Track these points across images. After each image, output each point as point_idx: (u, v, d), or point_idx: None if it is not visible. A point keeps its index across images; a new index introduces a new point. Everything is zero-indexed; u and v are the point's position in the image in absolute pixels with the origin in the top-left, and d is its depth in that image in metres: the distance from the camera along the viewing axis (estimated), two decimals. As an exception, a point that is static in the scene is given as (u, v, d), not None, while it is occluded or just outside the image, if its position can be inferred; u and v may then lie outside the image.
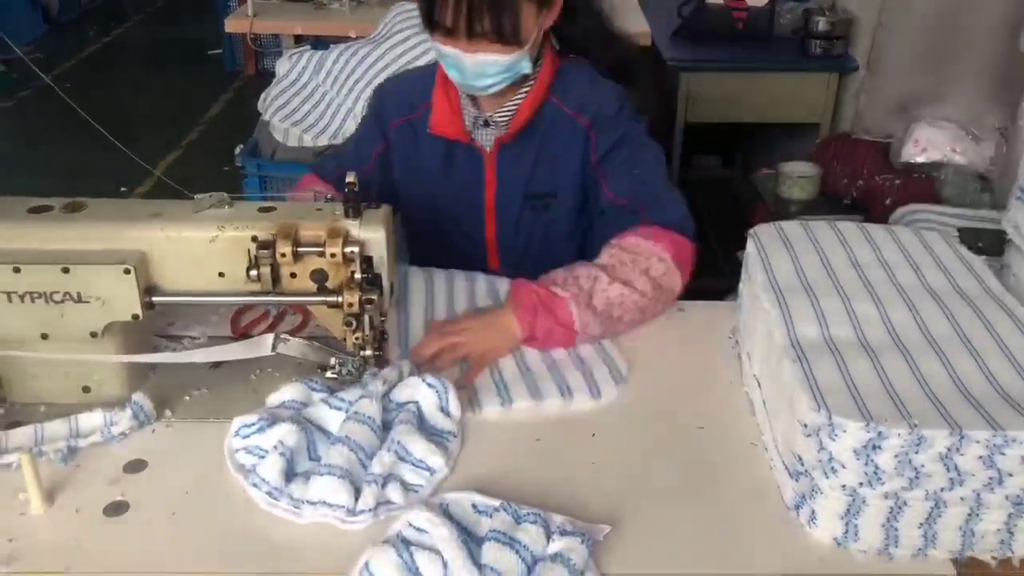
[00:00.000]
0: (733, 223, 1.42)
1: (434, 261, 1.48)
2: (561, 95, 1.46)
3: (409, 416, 1.09)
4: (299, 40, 3.23)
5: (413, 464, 1.05)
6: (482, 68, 1.35)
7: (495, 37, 1.31)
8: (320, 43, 2.97)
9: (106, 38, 6.21)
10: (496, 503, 0.96)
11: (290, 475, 1.02)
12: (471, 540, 0.92)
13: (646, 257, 1.32)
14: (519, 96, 1.45)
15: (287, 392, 1.12)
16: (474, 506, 0.96)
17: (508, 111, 1.45)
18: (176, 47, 6.02)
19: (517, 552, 0.89)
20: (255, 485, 1.01)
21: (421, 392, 1.13)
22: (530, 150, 1.48)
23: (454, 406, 1.13)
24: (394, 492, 1.00)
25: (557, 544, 0.91)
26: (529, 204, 1.51)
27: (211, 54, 5.75)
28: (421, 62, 2.47)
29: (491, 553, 0.89)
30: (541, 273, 1.33)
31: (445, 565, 0.88)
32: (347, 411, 1.08)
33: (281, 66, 2.72)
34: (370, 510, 0.98)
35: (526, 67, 1.40)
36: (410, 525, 0.92)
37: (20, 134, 4.74)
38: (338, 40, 2.89)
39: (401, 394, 1.14)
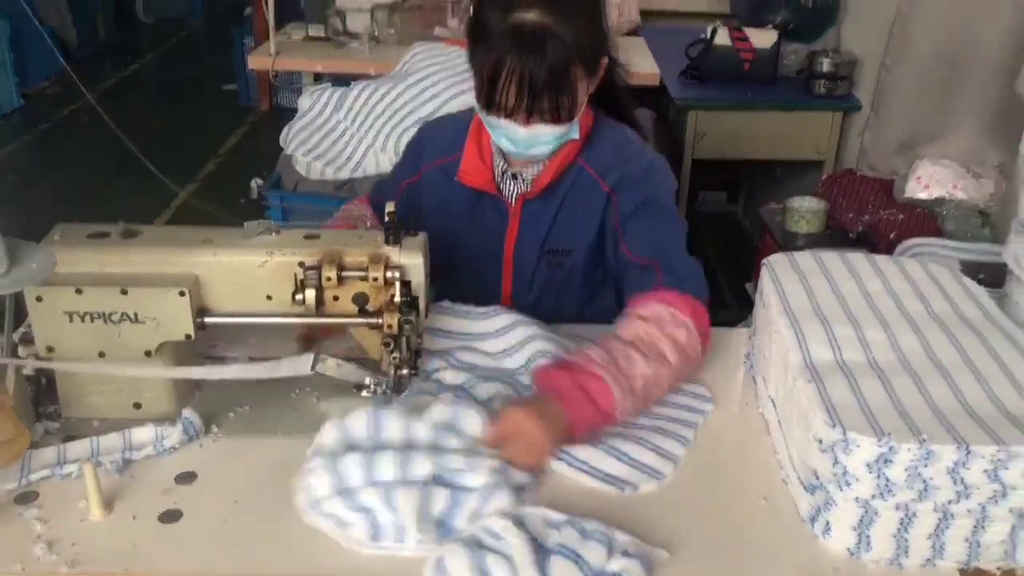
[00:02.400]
0: (738, 257, 1.45)
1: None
2: (587, 157, 1.49)
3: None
4: (318, 77, 3.33)
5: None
6: (535, 138, 1.39)
7: (553, 117, 1.36)
8: (339, 80, 3.07)
9: (123, 73, 6.35)
10: (564, 517, 1.03)
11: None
12: (540, 550, 0.99)
13: (673, 324, 1.29)
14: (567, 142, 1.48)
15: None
16: (546, 520, 1.04)
17: (536, 168, 1.49)
18: (191, 83, 6.15)
19: (580, 568, 0.97)
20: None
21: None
22: (552, 207, 1.51)
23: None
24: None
25: (618, 563, 0.98)
26: (545, 259, 1.54)
27: (226, 89, 5.88)
28: (440, 99, 2.56)
29: (558, 567, 0.97)
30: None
31: (515, 572, 0.95)
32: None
33: (303, 102, 2.81)
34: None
35: (575, 133, 1.43)
36: (486, 530, 0.99)
37: (37, 167, 4.84)
38: (357, 77, 2.98)
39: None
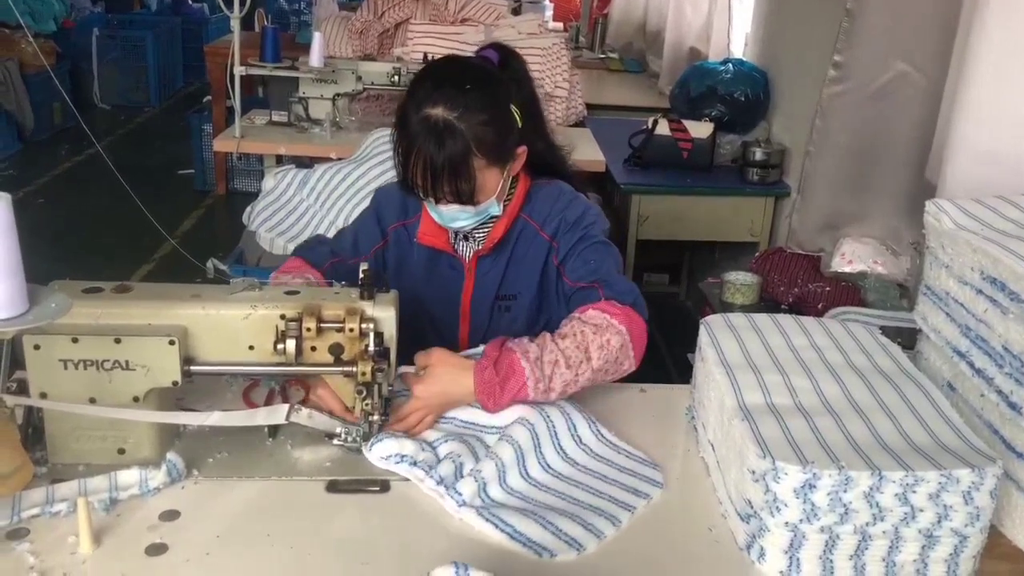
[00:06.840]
0: (680, 333, 1.64)
1: (407, 355, 1.57)
2: (530, 212, 1.68)
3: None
4: (279, 160, 3.47)
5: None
6: (452, 215, 1.57)
7: (456, 199, 1.53)
8: (300, 163, 3.21)
9: (78, 157, 6.42)
10: None
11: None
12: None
13: (605, 328, 1.44)
14: (495, 217, 1.65)
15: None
16: None
17: (486, 229, 1.66)
18: (147, 167, 6.22)
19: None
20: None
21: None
22: (502, 260, 1.68)
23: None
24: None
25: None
26: (496, 305, 1.70)
27: (181, 174, 5.98)
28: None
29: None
30: None
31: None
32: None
33: (267, 182, 2.94)
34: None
35: (495, 210, 1.59)
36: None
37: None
38: (318, 160, 3.13)
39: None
